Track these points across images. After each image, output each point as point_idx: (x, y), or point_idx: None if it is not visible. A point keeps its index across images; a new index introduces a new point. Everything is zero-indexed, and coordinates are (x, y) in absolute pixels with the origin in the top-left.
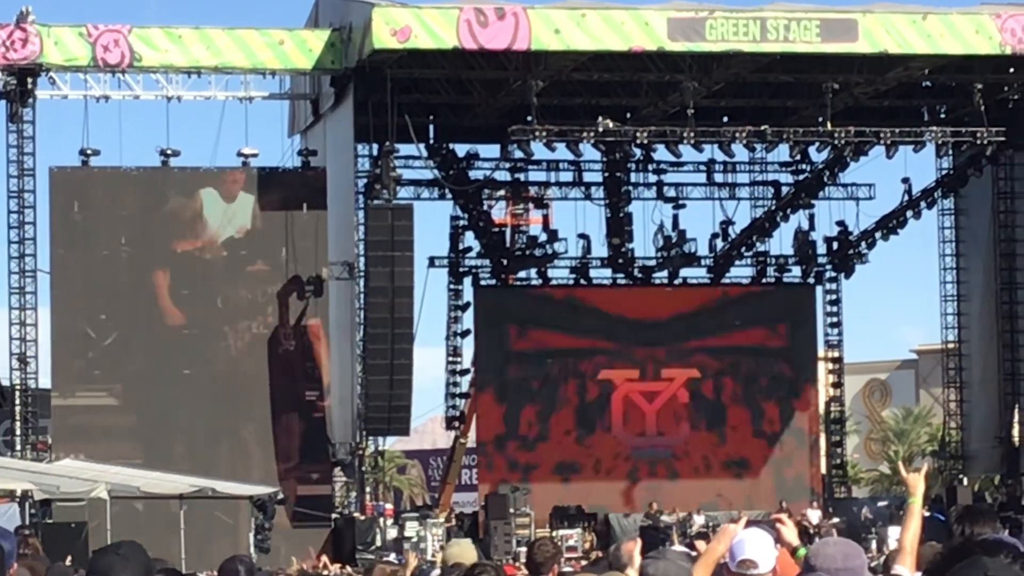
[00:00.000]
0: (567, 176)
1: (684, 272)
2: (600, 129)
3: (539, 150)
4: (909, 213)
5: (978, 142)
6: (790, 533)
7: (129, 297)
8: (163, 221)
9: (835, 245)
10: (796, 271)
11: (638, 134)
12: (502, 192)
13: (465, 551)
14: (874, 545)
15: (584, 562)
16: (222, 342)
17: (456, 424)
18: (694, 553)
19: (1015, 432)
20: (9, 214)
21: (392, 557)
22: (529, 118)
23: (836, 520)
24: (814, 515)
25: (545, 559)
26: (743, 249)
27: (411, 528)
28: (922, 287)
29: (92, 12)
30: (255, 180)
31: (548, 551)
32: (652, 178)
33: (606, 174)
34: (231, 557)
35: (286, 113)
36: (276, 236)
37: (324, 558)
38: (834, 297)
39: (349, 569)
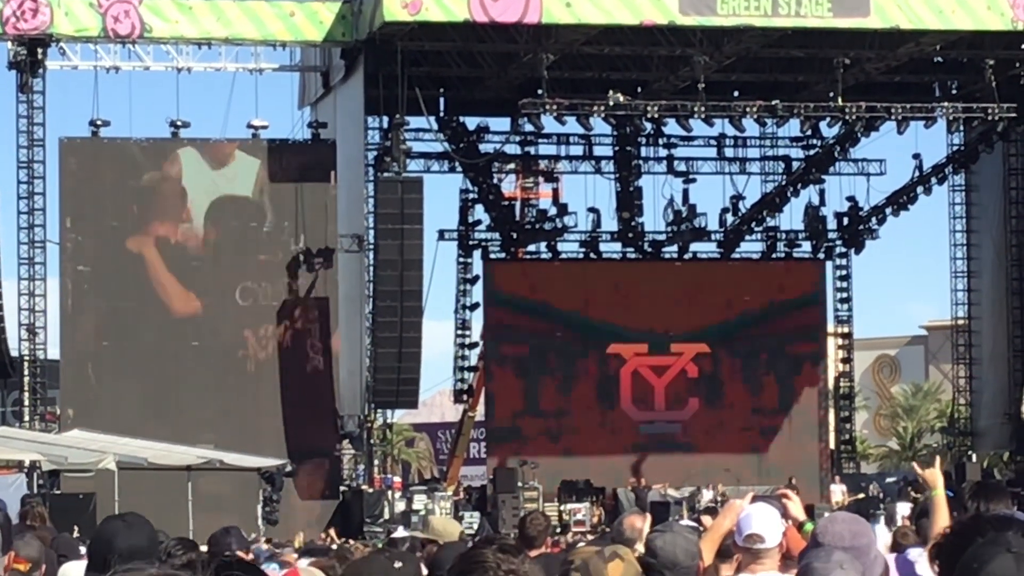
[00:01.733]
0: (577, 150)
1: (694, 247)
2: (611, 103)
3: (549, 123)
4: (920, 189)
5: (989, 118)
6: (796, 508)
7: (137, 268)
8: (171, 191)
9: (845, 220)
10: (806, 246)
11: (649, 108)
12: (512, 165)
13: (448, 524)
14: (883, 520)
15: (592, 536)
16: (230, 313)
17: (464, 397)
18: (701, 528)
19: None
20: (19, 184)
21: (401, 531)
22: (540, 91)
23: (856, 497)
24: (837, 490)
25: (538, 533)
26: (753, 224)
27: (419, 501)
28: (932, 263)
29: None
30: (264, 150)
31: (540, 525)
32: (662, 152)
33: (616, 148)
34: (222, 529)
35: (296, 85)
36: (286, 208)
37: (332, 532)
38: (844, 273)
39: (352, 542)
